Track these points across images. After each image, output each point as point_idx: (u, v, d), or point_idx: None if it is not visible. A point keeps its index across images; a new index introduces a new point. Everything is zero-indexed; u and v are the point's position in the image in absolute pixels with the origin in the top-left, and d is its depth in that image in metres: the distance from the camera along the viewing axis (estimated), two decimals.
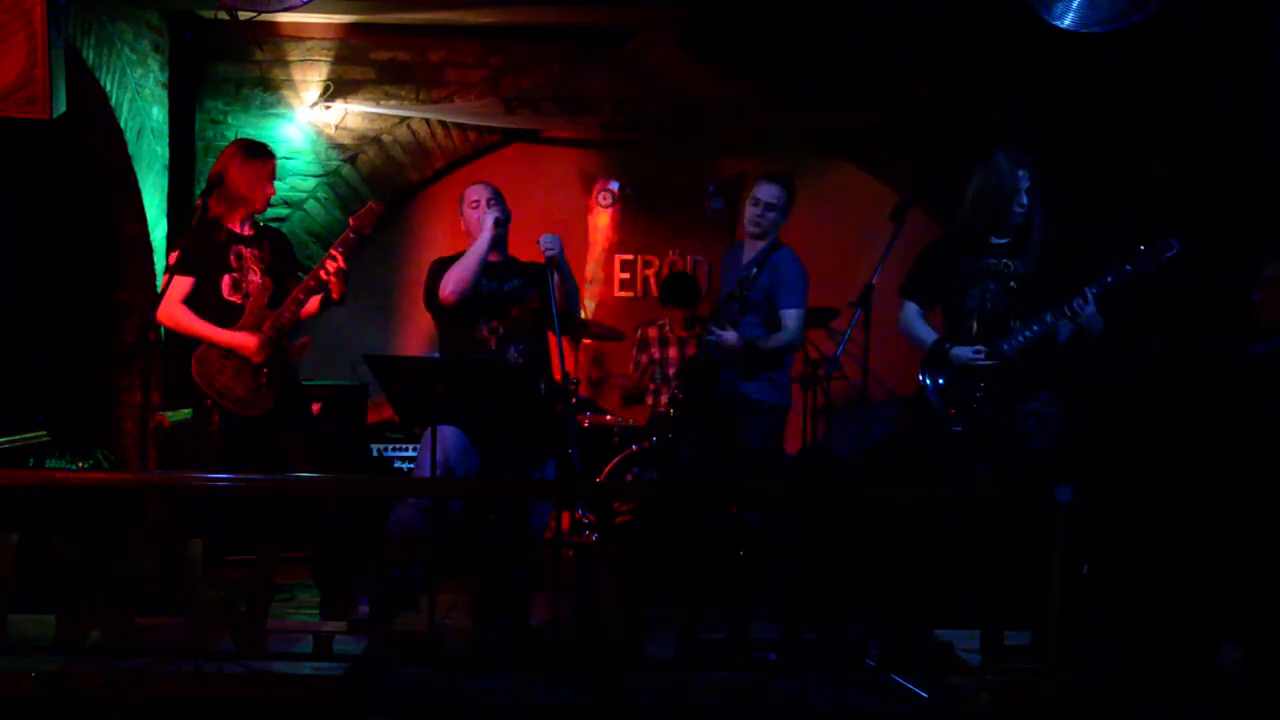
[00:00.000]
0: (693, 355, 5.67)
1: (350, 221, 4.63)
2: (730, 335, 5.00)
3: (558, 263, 4.67)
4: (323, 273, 4.56)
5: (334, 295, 4.61)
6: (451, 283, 4.69)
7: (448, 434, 4.57)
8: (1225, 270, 5.49)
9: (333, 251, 4.58)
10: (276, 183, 4.86)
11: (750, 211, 5.12)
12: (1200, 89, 5.92)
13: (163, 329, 6.35)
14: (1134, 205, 6.54)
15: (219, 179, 4.60)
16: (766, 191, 5.09)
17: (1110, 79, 6.63)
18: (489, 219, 4.73)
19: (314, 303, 4.68)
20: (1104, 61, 6.50)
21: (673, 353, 6.62)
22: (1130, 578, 3.53)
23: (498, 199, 4.84)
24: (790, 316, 5.04)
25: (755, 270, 5.05)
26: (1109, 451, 3.79)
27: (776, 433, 5.17)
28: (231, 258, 4.65)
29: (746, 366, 5.06)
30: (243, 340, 4.55)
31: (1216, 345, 4.70)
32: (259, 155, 4.72)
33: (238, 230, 4.70)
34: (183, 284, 4.60)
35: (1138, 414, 4.23)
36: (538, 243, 4.69)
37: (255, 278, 4.66)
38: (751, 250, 5.16)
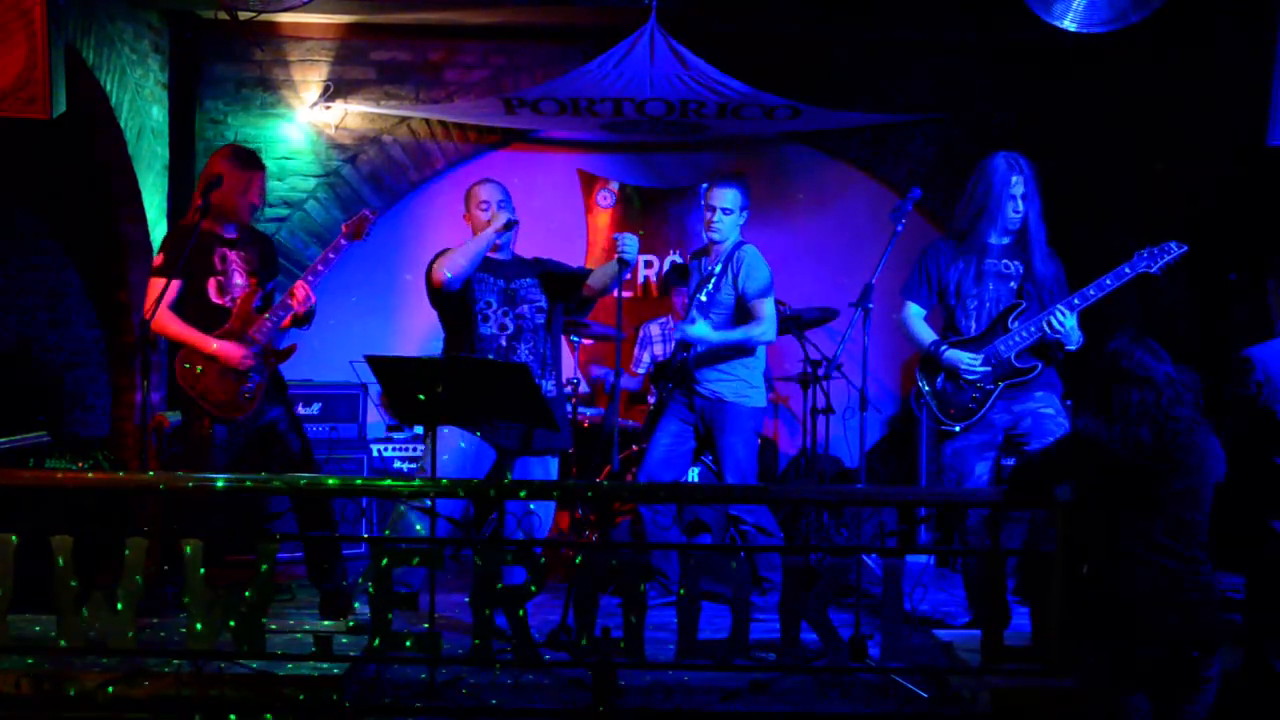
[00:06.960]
0: (661, 359, 5.68)
1: (342, 229, 4.58)
2: (698, 327, 4.99)
3: (629, 265, 4.66)
4: (292, 300, 4.53)
5: (300, 325, 4.62)
6: (445, 264, 4.58)
7: (455, 438, 4.57)
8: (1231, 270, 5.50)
9: (300, 282, 4.54)
10: (276, 182, 4.83)
11: (707, 217, 5.12)
12: (1201, 89, 5.92)
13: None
14: (1134, 205, 6.55)
15: (218, 180, 4.54)
16: (719, 196, 5.08)
17: (1111, 79, 6.63)
18: (500, 219, 4.67)
19: (286, 320, 4.62)
20: (1105, 61, 6.51)
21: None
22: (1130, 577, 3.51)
23: (508, 201, 4.79)
24: (761, 305, 5.02)
25: (719, 268, 5.07)
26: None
27: (757, 435, 5.20)
28: (216, 260, 4.58)
29: (721, 360, 5.06)
30: (226, 350, 4.50)
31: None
32: (251, 166, 4.66)
33: (220, 233, 4.64)
34: (162, 287, 4.48)
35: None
36: (615, 239, 4.64)
37: (240, 279, 4.61)
38: (717, 254, 5.16)
